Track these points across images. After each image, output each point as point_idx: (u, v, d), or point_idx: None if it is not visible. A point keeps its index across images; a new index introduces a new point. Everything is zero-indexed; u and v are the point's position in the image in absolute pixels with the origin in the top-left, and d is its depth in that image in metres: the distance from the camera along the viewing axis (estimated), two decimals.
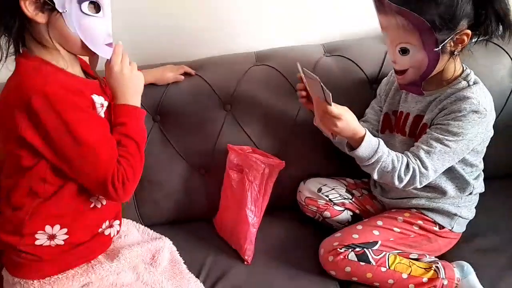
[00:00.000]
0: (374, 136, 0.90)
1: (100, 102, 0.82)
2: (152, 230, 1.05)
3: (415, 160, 0.89)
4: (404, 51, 0.86)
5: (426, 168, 0.88)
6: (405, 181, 0.89)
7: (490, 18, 0.82)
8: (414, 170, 0.88)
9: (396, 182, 0.89)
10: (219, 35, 1.27)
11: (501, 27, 0.84)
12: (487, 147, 0.98)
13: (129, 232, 1.00)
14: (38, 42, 0.76)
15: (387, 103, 1.05)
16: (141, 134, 0.84)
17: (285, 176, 1.09)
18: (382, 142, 0.89)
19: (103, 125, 0.80)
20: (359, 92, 1.14)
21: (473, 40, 0.86)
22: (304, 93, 0.99)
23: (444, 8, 0.80)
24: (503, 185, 1.16)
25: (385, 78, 1.10)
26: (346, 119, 0.85)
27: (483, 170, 1.02)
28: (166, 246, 0.99)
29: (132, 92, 0.84)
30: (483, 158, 1.00)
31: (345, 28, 1.29)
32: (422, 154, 0.88)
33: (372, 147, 0.87)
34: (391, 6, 0.81)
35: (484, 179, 1.03)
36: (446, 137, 0.87)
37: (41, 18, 0.73)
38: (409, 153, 0.90)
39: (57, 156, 0.75)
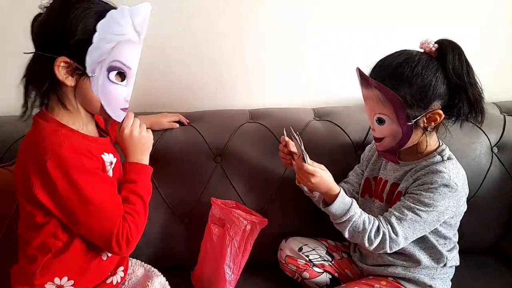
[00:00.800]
0: (355, 197, 0.93)
1: (109, 160, 0.86)
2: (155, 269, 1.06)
3: (386, 225, 0.91)
4: (380, 121, 0.92)
5: (396, 234, 0.90)
6: (375, 244, 0.90)
7: (463, 102, 0.88)
8: (384, 234, 0.90)
9: (366, 244, 0.90)
10: (218, 90, 1.35)
11: (473, 112, 0.89)
12: (465, 222, 0.99)
13: (133, 275, 1.01)
14: (60, 103, 0.80)
15: (368, 168, 1.09)
16: (148, 192, 0.89)
17: (266, 233, 1.09)
18: (355, 203, 0.92)
19: (110, 184, 0.84)
20: (344, 156, 1.19)
21: (452, 119, 0.91)
22: (285, 153, 1.02)
23: (416, 88, 0.86)
24: (479, 260, 1.16)
25: (369, 146, 1.15)
26: (321, 176, 0.90)
27: (460, 244, 1.02)
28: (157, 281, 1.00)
29: (140, 152, 0.90)
30: (461, 232, 1.01)
31: (335, 96, 1.37)
32: (393, 220, 0.90)
33: (345, 206, 0.90)
34: (371, 81, 0.88)
35: (461, 253, 1.03)
36: (417, 207, 0.90)
37: (70, 81, 0.78)
38: (381, 218, 0.92)
39: (64, 214, 0.79)
